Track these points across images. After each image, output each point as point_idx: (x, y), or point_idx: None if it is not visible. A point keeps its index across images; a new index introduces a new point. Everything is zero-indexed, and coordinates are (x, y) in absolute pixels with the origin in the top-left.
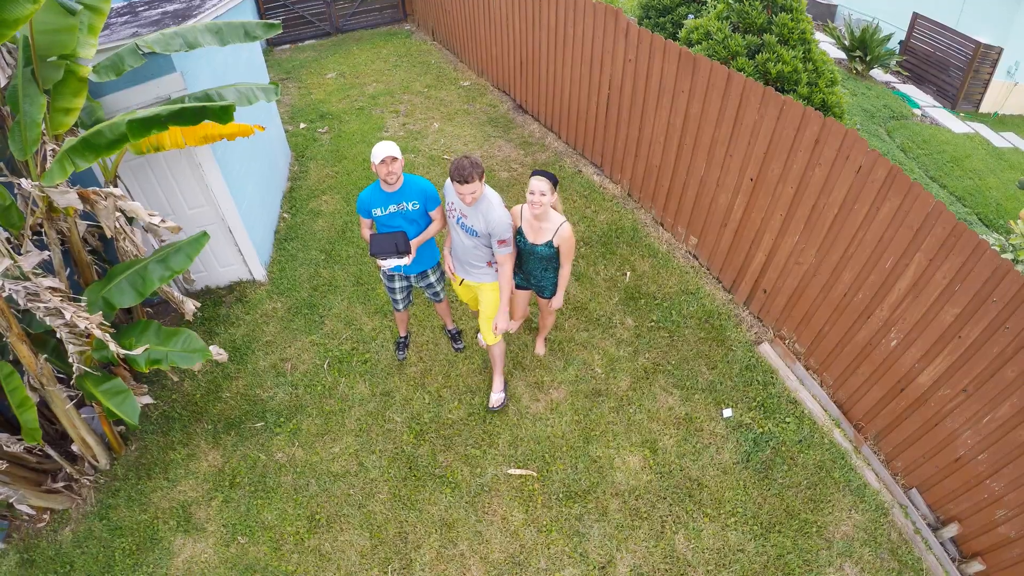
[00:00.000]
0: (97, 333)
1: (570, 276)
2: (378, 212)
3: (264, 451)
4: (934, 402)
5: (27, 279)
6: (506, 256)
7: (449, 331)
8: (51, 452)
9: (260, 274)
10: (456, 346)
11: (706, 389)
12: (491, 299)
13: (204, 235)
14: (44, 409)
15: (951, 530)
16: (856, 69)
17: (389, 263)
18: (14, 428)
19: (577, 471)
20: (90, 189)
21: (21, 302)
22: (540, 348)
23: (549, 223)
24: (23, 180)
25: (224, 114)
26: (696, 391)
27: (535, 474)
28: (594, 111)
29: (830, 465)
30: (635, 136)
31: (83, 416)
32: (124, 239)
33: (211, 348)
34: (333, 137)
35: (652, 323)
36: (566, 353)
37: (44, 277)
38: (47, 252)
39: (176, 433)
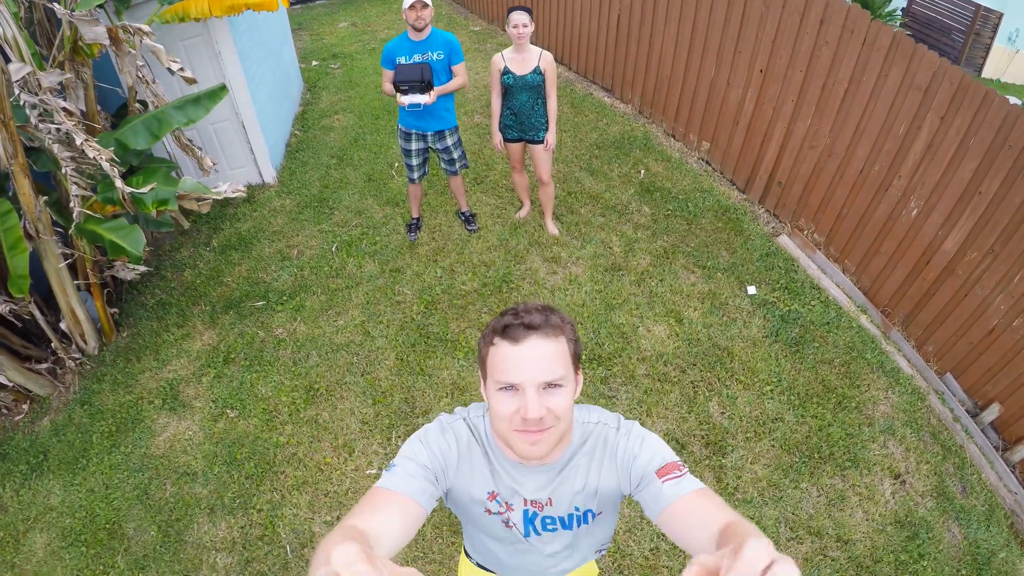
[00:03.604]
0: (105, 166)
1: (557, 109)
2: (402, 61)
3: (263, 328)
4: (961, 269)
5: (42, 92)
6: (706, 490)
7: (463, 213)
8: (35, 313)
9: (270, 176)
10: (470, 227)
11: (727, 269)
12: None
13: (223, 88)
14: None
15: (991, 412)
16: None
17: (411, 98)
18: None
19: (600, 336)
20: (118, 25)
21: (33, 119)
22: (551, 227)
23: (531, 52)
24: (55, 4)
25: None
26: (717, 270)
27: None
28: (604, 36)
29: (861, 347)
30: (645, 53)
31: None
32: (145, 88)
33: (226, 184)
34: (346, 71)
35: (669, 211)
36: (583, 234)
37: (61, 99)
38: (68, 75)
39: (172, 317)
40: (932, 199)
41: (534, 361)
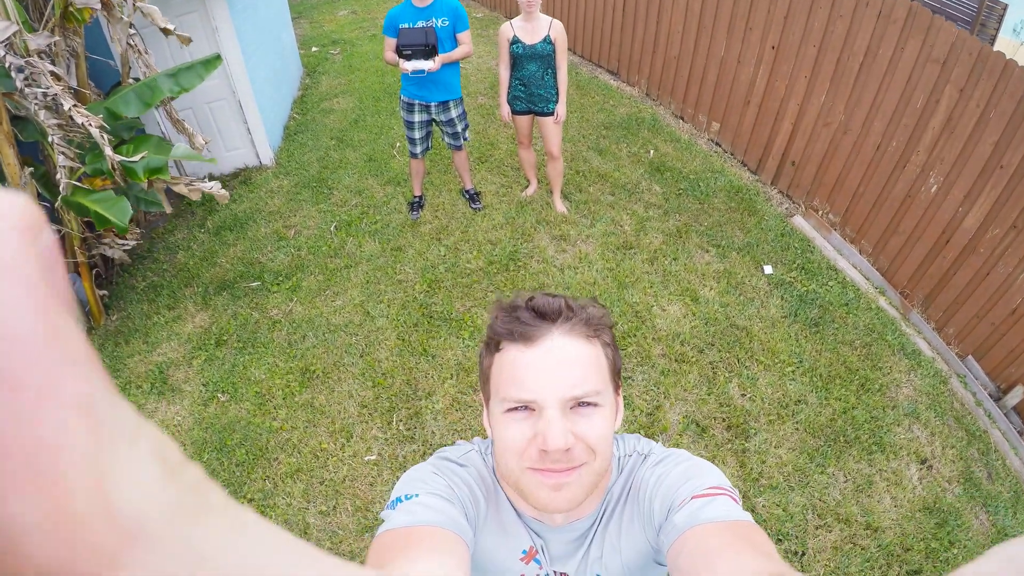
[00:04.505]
0: (94, 133)
1: (568, 80)
2: (405, 28)
3: (258, 309)
4: (983, 247)
5: (29, 55)
6: (746, 524)
7: (467, 191)
8: None
9: (268, 158)
10: (474, 206)
11: (742, 249)
12: None
13: (217, 56)
14: None
15: (1015, 396)
16: None
17: (414, 64)
18: None
19: (613, 315)
20: None
21: (19, 83)
22: (559, 205)
23: (541, 21)
24: None
25: None
26: (732, 250)
27: None
28: (610, 18)
29: (881, 329)
30: (652, 33)
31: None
32: (138, 59)
33: (212, 183)
34: (346, 56)
35: (680, 191)
36: (592, 212)
37: (48, 64)
38: (57, 38)
39: (163, 299)
40: (952, 174)
41: (558, 368)
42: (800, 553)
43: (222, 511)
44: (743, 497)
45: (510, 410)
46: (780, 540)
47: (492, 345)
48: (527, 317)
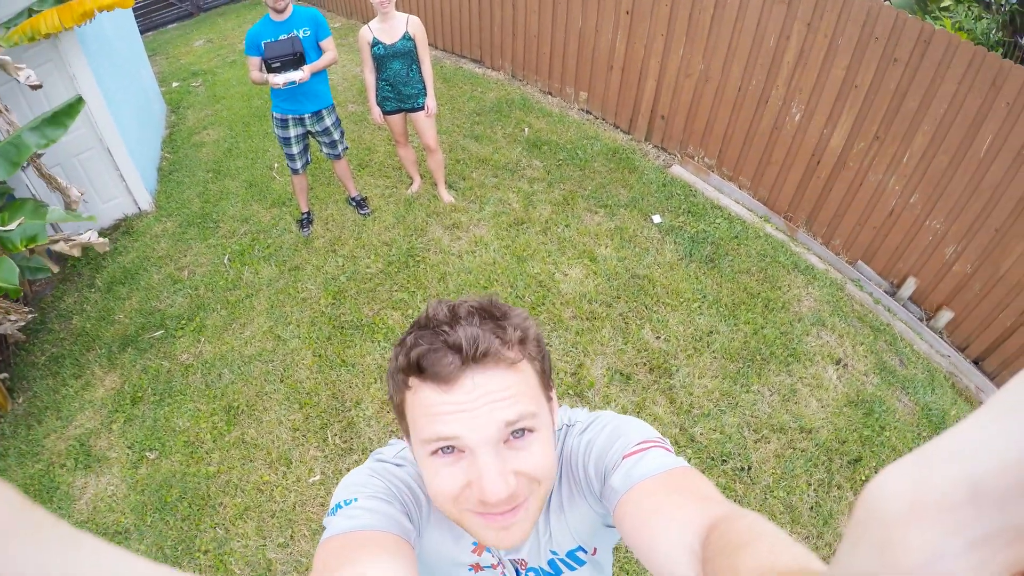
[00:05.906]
0: None
1: (433, 72)
2: (269, 43)
3: (167, 358)
4: (852, 161)
5: None
6: (683, 471)
7: (353, 199)
8: None
9: (146, 202)
10: (363, 211)
11: (629, 205)
12: None
13: (79, 100)
14: None
15: (908, 287)
16: None
17: (285, 76)
18: None
19: (518, 289)
20: None
21: None
22: (445, 196)
23: (398, 19)
24: None
25: None
26: (619, 207)
27: None
28: (466, 7)
29: (773, 252)
30: (510, 16)
31: None
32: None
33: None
34: (208, 87)
35: (560, 161)
36: (479, 197)
37: None
38: None
39: (67, 369)
40: (812, 102)
41: (482, 407)
42: (747, 468)
43: (52, 526)
44: (680, 430)
45: (435, 452)
46: (725, 460)
47: (400, 380)
48: (438, 356)
